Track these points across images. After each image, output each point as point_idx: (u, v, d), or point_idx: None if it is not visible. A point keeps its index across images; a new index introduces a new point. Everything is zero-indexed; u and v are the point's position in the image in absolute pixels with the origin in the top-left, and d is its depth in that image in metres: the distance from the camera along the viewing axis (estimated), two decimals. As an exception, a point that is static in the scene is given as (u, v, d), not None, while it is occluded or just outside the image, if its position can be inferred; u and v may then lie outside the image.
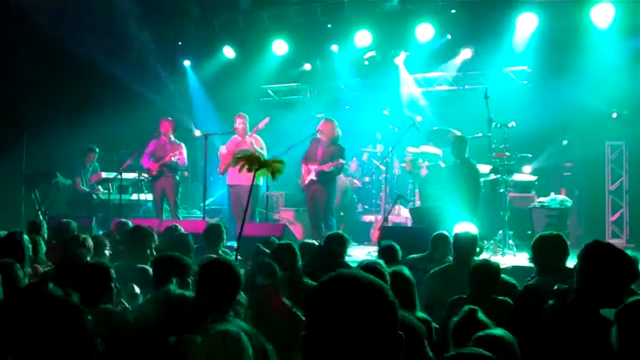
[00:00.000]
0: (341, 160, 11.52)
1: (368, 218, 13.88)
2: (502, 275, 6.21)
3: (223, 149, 12.33)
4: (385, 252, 6.92)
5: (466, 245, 6.84)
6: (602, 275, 3.97)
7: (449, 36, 14.26)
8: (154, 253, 7.00)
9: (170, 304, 4.40)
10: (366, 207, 14.42)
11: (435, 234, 7.85)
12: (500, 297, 5.41)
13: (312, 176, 11.59)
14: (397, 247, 7.02)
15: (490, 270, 5.58)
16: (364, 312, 1.93)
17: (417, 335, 3.01)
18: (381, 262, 5.68)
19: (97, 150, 14.21)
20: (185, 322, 4.14)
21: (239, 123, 12.20)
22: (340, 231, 7.69)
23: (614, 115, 13.08)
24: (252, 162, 6.19)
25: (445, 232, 7.94)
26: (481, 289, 5.44)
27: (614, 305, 3.46)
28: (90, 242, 7.09)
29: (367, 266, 5.14)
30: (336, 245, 7.32)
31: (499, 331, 3.70)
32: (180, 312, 4.31)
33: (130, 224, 9.21)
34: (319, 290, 2.02)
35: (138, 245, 7.01)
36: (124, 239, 7.41)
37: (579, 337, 3.86)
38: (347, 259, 7.71)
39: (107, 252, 7.39)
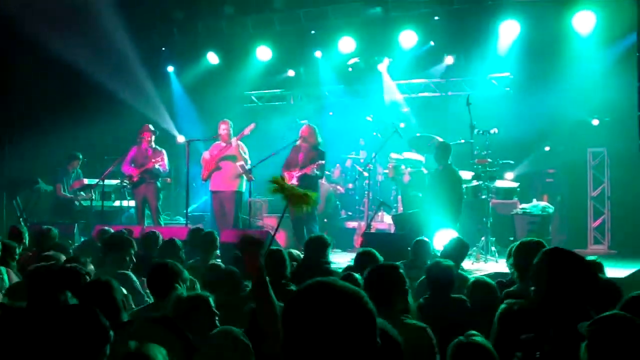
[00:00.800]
0: (321, 161, 11.52)
1: (351, 224, 13.88)
2: (483, 277, 6.24)
3: (206, 155, 12.31)
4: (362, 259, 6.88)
5: (454, 253, 6.84)
6: (564, 283, 3.84)
7: (432, 43, 14.31)
8: (134, 259, 7.00)
9: (185, 305, 4.45)
10: (349, 213, 14.43)
11: (415, 240, 7.86)
12: (455, 295, 5.47)
13: (294, 182, 11.58)
14: (376, 253, 6.98)
15: (443, 269, 5.67)
16: (341, 319, 1.91)
17: (396, 346, 3.00)
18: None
19: (81, 157, 14.15)
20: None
21: (222, 129, 12.19)
22: (320, 234, 7.65)
23: (596, 121, 13.16)
24: (292, 197, 6.25)
25: (426, 239, 7.95)
26: (438, 289, 5.56)
27: (578, 312, 3.48)
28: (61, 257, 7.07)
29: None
30: (316, 251, 7.29)
31: (479, 338, 3.70)
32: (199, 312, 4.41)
33: (112, 230, 9.19)
34: (295, 297, 2.00)
35: (118, 252, 7.00)
36: (105, 246, 7.39)
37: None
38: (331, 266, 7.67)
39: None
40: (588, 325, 3.16)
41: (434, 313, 4.77)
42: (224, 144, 12.17)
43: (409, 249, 7.80)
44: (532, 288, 4.16)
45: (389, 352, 2.91)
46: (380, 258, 6.76)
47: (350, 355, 1.90)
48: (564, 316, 3.58)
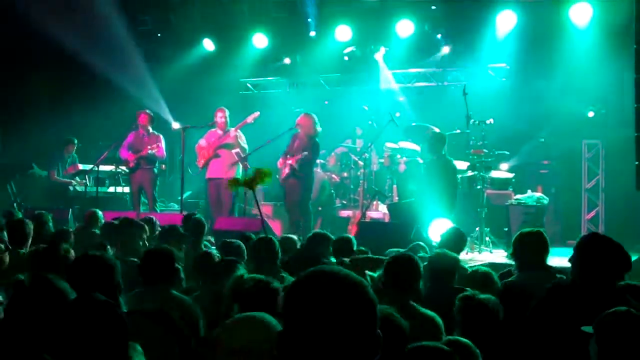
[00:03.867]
0: (305, 153, 11.52)
1: (346, 213, 13.86)
2: (480, 266, 6.22)
3: (202, 142, 12.30)
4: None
5: (452, 245, 6.73)
6: (597, 265, 4.21)
7: (439, 36, 14.29)
8: (147, 244, 6.78)
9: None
10: (344, 202, 14.40)
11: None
12: (457, 286, 5.39)
13: (287, 170, 11.62)
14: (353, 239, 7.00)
15: (447, 262, 5.59)
16: (343, 308, 1.89)
17: (401, 333, 3.03)
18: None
19: (76, 141, 14.10)
20: None
21: (219, 117, 12.19)
22: (323, 230, 7.64)
23: (591, 114, 13.17)
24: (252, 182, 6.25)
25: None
26: (439, 280, 5.44)
27: (608, 293, 3.59)
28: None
29: None
30: (318, 245, 7.25)
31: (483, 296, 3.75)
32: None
33: (101, 214, 9.10)
34: (297, 284, 1.99)
35: (129, 238, 6.76)
36: (115, 231, 7.18)
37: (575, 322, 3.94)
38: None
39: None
40: (594, 324, 3.20)
41: (437, 303, 4.76)
42: (220, 132, 12.15)
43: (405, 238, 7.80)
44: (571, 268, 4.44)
45: (393, 339, 2.92)
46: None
47: (350, 344, 1.89)
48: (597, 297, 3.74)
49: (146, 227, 7.10)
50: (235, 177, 7.70)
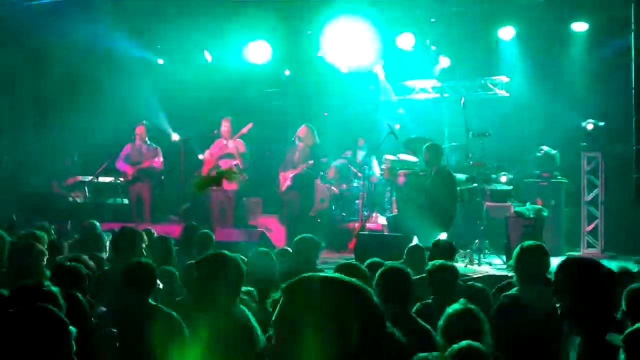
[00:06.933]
0: (310, 161, 11.55)
1: (345, 225, 13.85)
2: (473, 282, 6.22)
3: (207, 154, 12.38)
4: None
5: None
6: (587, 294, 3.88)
7: (433, 47, 14.30)
8: (144, 253, 6.64)
9: None
10: (343, 214, 14.39)
11: (411, 246, 7.87)
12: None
13: (289, 182, 11.63)
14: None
15: (448, 273, 5.71)
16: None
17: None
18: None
19: (75, 153, 14.12)
20: None
21: (224, 126, 12.24)
22: (310, 235, 7.63)
23: (590, 126, 13.17)
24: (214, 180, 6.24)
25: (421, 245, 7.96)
26: (443, 294, 5.51)
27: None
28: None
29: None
30: (309, 250, 7.26)
31: (475, 343, 3.69)
32: None
33: (98, 225, 9.08)
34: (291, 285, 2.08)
35: (130, 247, 6.59)
36: (116, 241, 7.03)
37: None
38: (323, 265, 7.69)
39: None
40: (623, 338, 3.19)
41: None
42: (225, 142, 12.22)
43: (404, 250, 7.77)
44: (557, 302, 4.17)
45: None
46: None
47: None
48: (591, 325, 3.65)
49: (144, 236, 7.02)
50: (197, 179, 7.68)
